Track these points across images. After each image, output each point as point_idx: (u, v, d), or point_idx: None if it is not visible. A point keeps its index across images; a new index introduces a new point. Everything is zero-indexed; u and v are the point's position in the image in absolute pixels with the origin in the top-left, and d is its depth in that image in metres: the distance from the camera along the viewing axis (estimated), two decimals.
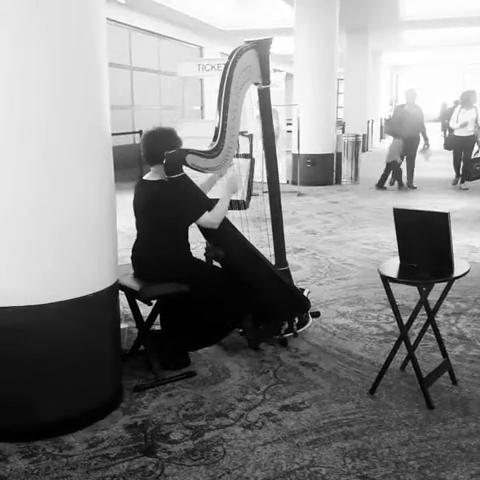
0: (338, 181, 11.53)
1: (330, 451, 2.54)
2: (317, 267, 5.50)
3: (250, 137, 10.31)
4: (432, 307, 3.20)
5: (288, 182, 11.36)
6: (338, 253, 6.03)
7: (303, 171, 10.91)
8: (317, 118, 10.91)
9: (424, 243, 2.92)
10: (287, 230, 7.23)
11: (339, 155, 11.48)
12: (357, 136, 11.77)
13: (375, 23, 17.05)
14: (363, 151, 18.91)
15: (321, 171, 11.21)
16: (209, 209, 3.23)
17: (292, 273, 5.25)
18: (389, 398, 3.00)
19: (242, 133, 10.08)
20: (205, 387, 3.13)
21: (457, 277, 2.90)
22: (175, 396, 3.04)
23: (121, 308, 3.70)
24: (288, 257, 5.80)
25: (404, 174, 10.56)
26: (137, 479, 2.36)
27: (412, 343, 3.24)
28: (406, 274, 2.94)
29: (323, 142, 11.16)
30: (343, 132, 15.04)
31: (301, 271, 5.36)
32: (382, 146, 22.79)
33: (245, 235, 3.58)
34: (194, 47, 17.27)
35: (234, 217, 3.63)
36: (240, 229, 3.60)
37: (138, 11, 13.94)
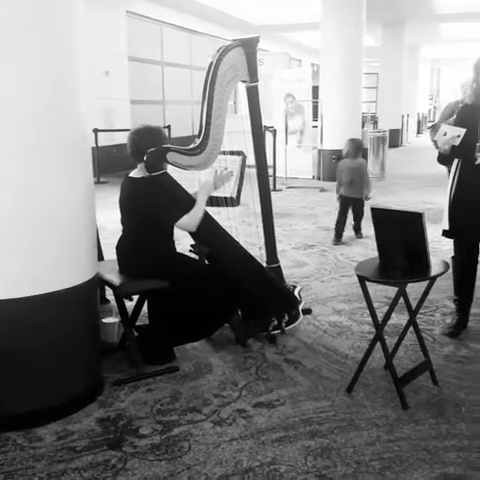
0: None
1: (294, 449, 2.55)
2: (323, 264, 5.47)
3: (274, 133, 10.31)
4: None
5: (314, 177, 11.31)
6: (348, 250, 5.98)
7: (328, 167, 10.83)
8: (342, 113, 10.78)
9: (401, 242, 2.89)
10: (302, 226, 7.27)
11: (365, 151, 11.31)
12: (384, 131, 11.60)
13: (410, 16, 16.76)
14: (397, 146, 18.68)
15: None
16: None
17: (297, 270, 5.28)
18: (365, 397, 2.98)
19: (267, 128, 10.10)
20: (185, 382, 3.17)
21: (433, 277, 2.86)
22: (154, 391, 3.08)
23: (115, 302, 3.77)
24: (296, 253, 5.85)
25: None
26: (98, 472, 2.41)
27: (393, 342, 3.23)
28: (381, 274, 2.92)
29: (348, 137, 10.97)
30: (375, 127, 14.85)
31: (306, 267, 5.35)
32: (418, 141, 22.45)
33: (234, 232, 3.59)
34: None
35: (221, 212, 3.65)
36: (229, 225, 3.62)
37: (169, 7, 14.06)
